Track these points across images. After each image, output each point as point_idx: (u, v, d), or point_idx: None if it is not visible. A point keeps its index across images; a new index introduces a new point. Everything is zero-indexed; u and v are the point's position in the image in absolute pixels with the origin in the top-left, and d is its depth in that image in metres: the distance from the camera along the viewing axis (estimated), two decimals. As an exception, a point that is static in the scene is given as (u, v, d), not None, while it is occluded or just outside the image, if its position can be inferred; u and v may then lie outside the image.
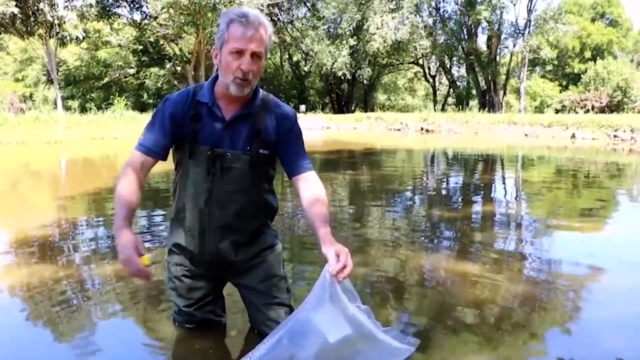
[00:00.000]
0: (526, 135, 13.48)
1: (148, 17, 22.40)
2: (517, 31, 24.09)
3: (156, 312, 1.99)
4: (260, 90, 1.63)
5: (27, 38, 19.83)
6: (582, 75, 29.71)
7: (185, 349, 1.74)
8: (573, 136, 12.55)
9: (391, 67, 30.31)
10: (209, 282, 1.76)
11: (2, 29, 19.24)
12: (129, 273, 1.44)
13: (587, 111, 22.62)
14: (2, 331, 1.88)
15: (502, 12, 23.71)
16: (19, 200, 4.75)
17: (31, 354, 1.71)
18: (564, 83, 32.29)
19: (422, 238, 3.27)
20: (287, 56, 30.62)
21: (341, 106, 29.11)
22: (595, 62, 28.95)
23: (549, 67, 34.23)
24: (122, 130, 12.79)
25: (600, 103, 24.14)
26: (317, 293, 1.35)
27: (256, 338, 1.73)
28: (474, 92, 28.42)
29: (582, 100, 24.79)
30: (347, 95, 30.00)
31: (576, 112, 21.91)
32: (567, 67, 33.33)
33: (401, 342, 1.40)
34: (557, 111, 25.26)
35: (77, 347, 1.74)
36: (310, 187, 1.62)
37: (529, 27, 23.68)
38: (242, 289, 1.78)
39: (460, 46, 25.78)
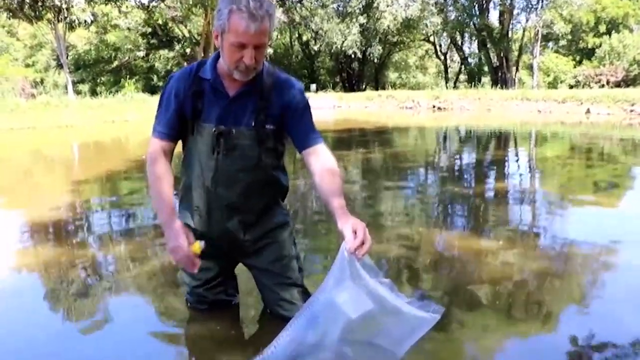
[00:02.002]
0: (539, 111, 13.26)
1: (156, -1, 22.23)
2: (530, 6, 23.52)
3: (172, 294, 2.00)
4: (265, 63, 1.56)
5: (36, 23, 19.80)
6: (596, 50, 29.01)
7: (197, 330, 1.74)
8: (588, 111, 12.32)
9: (402, 45, 29.83)
10: (219, 262, 1.74)
11: (11, 14, 19.22)
12: (177, 261, 1.52)
13: (602, 86, 22.17)
14: (18, 312, 1.89)
15: (514, -14, 23.17)
16: (33, 184, 4.78)
17: (46, 334, 1.73)
18: (578, 58, 31.56)
19: (436, 214, 3.24)
20: (296, 36, 30.27)
21: (352, 85, 28.87)
22: (610, 36, 28.23)
23: (562, 42, 33.44)
24: (133, 112, 12.81)
25: (616, 77, 23.61)
26: (336, 272, 1.31)
27: (270, 318, 1.74)
28: (485, 68, 27.94)
29: (596, 75, 24.28)
30: (357, 74, 29.70)
31: (590, 87, 21.49)
32: (581, 41, 32.52)
33: (426, 311, 1.35)
34: (571, 87, 24.77)
35: (90, 328, 1.76)
36: (321, 159, 1.56)
37: (542, 1, 23.11)
38: (253, 270, 1.76)
39: (471, 22, 25.29)
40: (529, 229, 2.84)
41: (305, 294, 1.69)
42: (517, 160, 5.80)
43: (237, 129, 1.55)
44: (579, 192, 3.82)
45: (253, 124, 1.55)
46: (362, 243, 1.31)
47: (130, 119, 12.45)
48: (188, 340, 1.70)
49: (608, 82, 23.21)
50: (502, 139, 8.00)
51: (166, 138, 1.59)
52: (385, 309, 1.31)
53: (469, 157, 6.18)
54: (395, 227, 2.87)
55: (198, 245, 1.51)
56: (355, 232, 1.33)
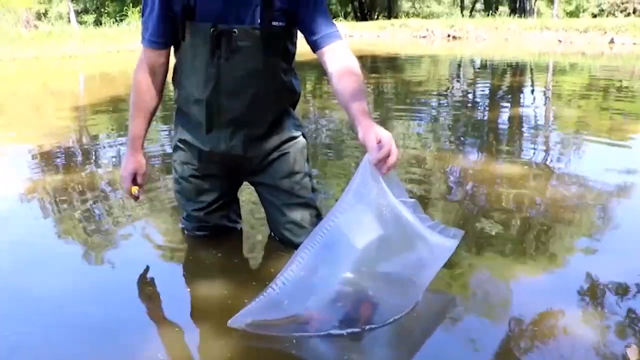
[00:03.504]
0: (560, 41, 12.66)
1: None
2: None
3: (172, 222, 1.91)
4: None
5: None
6: (625, -25, 27.29)
7: (196, 259, 1.65)
8: (611, 41, 11.72)
9: (416, -29, 28.35)
10: (221, 183, 1.58)
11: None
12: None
13: (628, 15, 21.04)
14: (21, 244, 1.85)
15: None
16: (40, 117, 4.71)
17: (52, 262, 1.69)
18: (604, -16, 29.81)
19: (447, 145, 3.14)
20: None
21: (364, 14, 27.74)
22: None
23: (588, -33, 31.49)
24: (138, 42, 12.45)
25: (644, 5, 22.37)
26: (356, 189, 1.13)
27: (277, 245, 1.63)
28: (504, -4, 26.59)
29: (622, 3, 22.96)
30: (369, 2, 28.48)
31: (615, 17, 20.40)
32: (608, -35, 30.60)
33: (447, 235, 1.24)
34: (594, 15, 23.55)
35: (92, 259, 1.72)
36: (339, 58, 1.35)
37: None
38: (260, 187, 1.59)
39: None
40: (542, 161, 2.75)
41: (319, 218, 1.54)
42: (532, 93, 5.58)
43: (240, 27, 1.33)
44: (594, 126, 3.67)
45: (259, 21, 1.34)
46: (388, 155, 1.12)
47: (135, 48, 12.12)
48: (186, 270, 1.61)
49: (635, 11, 21.99)
50: (517, 71, 7.68)
51: (155, 46, 1.42)
52: (406, 234, 1.17)
53: (482, 88, 5.95)
54: (406, 152, 2.79)
55: (136, 190, 1.61)
56: (379, 142, 1.13)
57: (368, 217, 1.14)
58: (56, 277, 1.55)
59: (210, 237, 1.68)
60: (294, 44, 1.48)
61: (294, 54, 1.50)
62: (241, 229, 1.77)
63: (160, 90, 1.53)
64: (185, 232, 1.72)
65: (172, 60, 1.53)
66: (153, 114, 1.55)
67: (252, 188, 1.71)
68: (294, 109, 1.62)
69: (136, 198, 1.64)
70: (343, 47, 1.39)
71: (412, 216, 1.17)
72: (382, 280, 1.23)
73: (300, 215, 1.56)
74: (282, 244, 1.61)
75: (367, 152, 1.15)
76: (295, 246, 1.22)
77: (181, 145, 1.58)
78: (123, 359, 1.17)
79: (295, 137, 1.58)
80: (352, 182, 1.15)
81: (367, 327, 1.21)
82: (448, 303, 1.38)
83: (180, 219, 1.74)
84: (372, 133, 1.16)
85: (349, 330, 1.19)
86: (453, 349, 1.20)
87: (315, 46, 1.40)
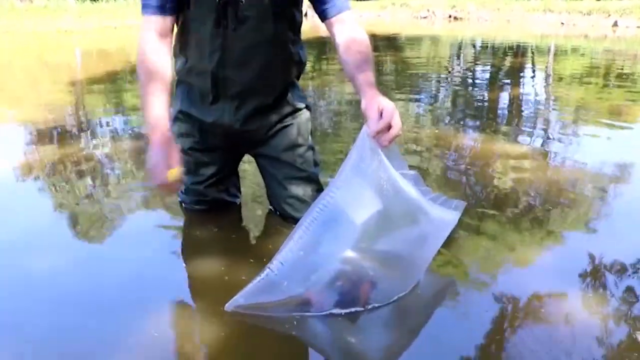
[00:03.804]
0: (562, 23, 12.54)
1: None
2: None
3: (170, 199, 1.86)
4: None
5: None
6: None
7: (194, 233, 1.62)
8: (615, 24, 11.61)
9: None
10: (221, 156, 1.54)
11: None
12: (154, 183, 1.27)
13: (632, -2, 20.78)
14: (16, 219, 1.82)
15: None
16: (38, 93, 4.65)
17: (46, 237, 1.67)
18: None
19: (444, 125, 3.11)
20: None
21: (364, -7, 27.38)
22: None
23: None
24: (135, 17, 12.27)
25: (648, -12, 22.07)
26: (354, 162, 1.09)
27: (277, 220, 1.60)
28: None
29: (627, -14, 22.69)
30: (370, -20, 28.06)
31: (619, -1, 20.16)
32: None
33: (448, 208, 1.20)
34: (598, -2, 23.27)
35: (90, 234, 1.70)
36: (347, 29, 1.31)
37: None
38: (262, 159, 1.56)
39: None
40: (539, 147, 2.72)
41: (320, 193, 1.54)
42: (532, 77, 5.54)
43: None
44: (594, 110, 3.63)
45: None
46: (389, 127, 1.07)
47: (133, 24, 11.94)
48: (183, 245, 1.58)
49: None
50: (518, 53, 7.60)
51: (163, 12, 1.30)
52: (407, 209, 1.13)
53: (482, 70, 5.90)
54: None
55: (176, 172, 1.26)
56: (381, 114, 1.09)
57: (367, 191, 1.10)
58: (49, 253, 1.53)
59: (209, 211, 1.65)
60: (301, 13, 1.43)
61: (300, 24, 1.46)
62: (240, 203, 1.74)
63: (166, 62, 1.39)
64: (183, 205, 1.69)
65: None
66: (169, 89, 1.37)
67: (253, 161, 1.68)
68: (298, 79, 1.58)
69: (171, 191, 1.41)
70: (352, 18, 1.35)
71: (413, 189, 1.13)
72: (382, 257, 1.20)
73: (302, 189, 1.53)
74: (283, 218, 1.59)
75: (366, 122, 1.11)
76: (296, 221, 1.18)
77: (181, 117, 1.54)
78: (117, 335, 1.15)
79: (299, 109, 1.54)
80: (350, 156, 1.10)
81: (368, 306, 1.19)
82: (448, 284, 1.37)
83: (178, 192, 1.71)
84: (374, 103, 1.12)
85: (349, 310, 1.17)
86: (452, 329, 1.19)
87: (323, 15, 1.36)
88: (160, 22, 1.31)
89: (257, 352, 1.10)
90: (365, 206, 1.10)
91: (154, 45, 1.30)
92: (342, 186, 1.10)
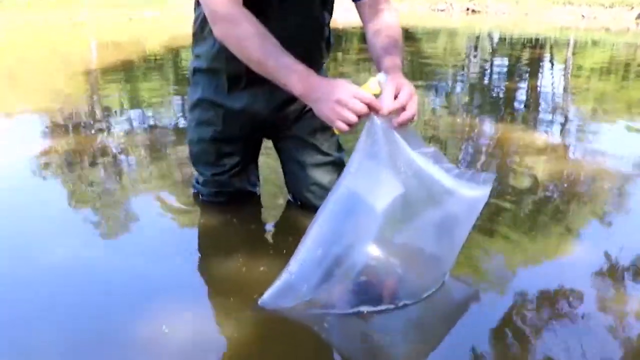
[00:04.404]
0: (583, 16, 12.29)
1: None
2: None
3: (187, 191, 1.84)
4: None
5: None
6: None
7: (211, 224, 1.58)
8: (638, 17, 11.34)
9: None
10: (243, 144, 1.49)
11: None
12: (348, 112, 1.01)
13: (654, -10, 20.30)
14: (30, 207, 1.81)
15: None
16: (48, 81, 4.66)
17: (60, 229, 1.65)
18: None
19: (460, 117, 3.05)
20: None
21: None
22: None
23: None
24: (151, 9, 12.30)
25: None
26: (366, 147, 1.01)
27: (297, 211, 1.54)
28: (526, -31, 25.79)
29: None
30: (386, -27, 27.81)
31: (641, -8, 19.70)
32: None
33: (477, 182, 1.08)
34: (618, -9, 22.77)
35: (104, 224, 1.68)
36: (379, 12, 1.24)
37: None
38: (284, 143, 1.48)
39: None
40: (556, 142, 2.65)
41: None
42: (551, 70, 5.42)
43: None
44: (612, 106, 3.54)
45: None
46: (402, 109, 1.00)
47: (148, 16, 11.96)
48: (200, 236, 1.54)
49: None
50: (536, 47, 7.46)
51: None
52: (431, 191, 1.03)
53: (499, 64, 5.80)
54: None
55: (375, 82, 1.04)
56: (398, 94, 1.01)
57: (384, 176, 1.00)
58: (64, 243, 1.51)
59: (228, 203, 1.60)
60: None
61: (332, 5, 1.41)
62: (259, 193, 1.70)
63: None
64: (201, 197, 1.65)
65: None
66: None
67: (268, 150, 1.62)
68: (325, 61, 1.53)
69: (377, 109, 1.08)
70: (385, 1, 1.29)
71: (434, 168, 1.03)
72: (408, 248, 1.13)
73: (326, 177, 1.46)
74: (304, 207, 1.52)
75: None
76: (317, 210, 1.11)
77: (201, 105, 1.48)
78: (126, 329, 1.12)
79: None
80: (361, 138, 1.02)
81: (399, 304, 1.12)
82: (471, 285, 1.31)
83: (193, 183, 1.66)
84: (393, 84, 1.04)
85: (376, 308, 1.11)
86: (478, 331, 1.14)
87: None
88: None
89: (280, 352, 1.06)
90: (383, 192, 1.02)
91: (237, 11, 1.15)
92: (357, 173, 1.02)
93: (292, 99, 1.39)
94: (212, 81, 1.43)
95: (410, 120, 1.02)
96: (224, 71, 1.39)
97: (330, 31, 1.45)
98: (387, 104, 1.00)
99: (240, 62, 1.28)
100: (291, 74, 1.09)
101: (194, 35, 1.43)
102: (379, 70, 1.19)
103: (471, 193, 1.07)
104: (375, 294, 1.12)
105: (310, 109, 1.41)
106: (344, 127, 1.02)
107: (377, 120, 1.00)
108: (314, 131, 1.45)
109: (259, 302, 1.13)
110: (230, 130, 1.47)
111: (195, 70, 1.48)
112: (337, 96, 1.02)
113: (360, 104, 1.00)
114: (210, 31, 1.34)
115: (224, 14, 1.14)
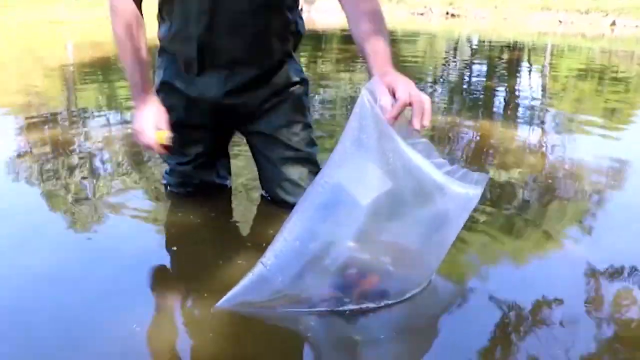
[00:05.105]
0: (560, 22, 12.50)
1: None
2: None
3: (157, 181, 1.75)
4: None
5: None
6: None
7: (179, 219, 1.49)
8: (613, 24, 11.56)
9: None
10: (212, 133, 1.42)
11: None
12: (140, 143, 1.31)
13: (629, -3, 20.77)
14: (5, 211, 1.73)
15: None
16: (23, 79, 4.53)
17: (33, 229, 1.53)
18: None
19: (439, 119, 3.04)
20: None
21: (361, -11, 27.27)
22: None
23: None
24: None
25: (645, -12, 22.06)
26: (353, 135, 0.93)
27: (270, 207, 1.48)
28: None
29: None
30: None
31: (617, -1, 20.13)
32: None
33: (469, 182, 1.02)
34: (595, -3, 23.22)
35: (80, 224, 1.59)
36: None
37: None
38: (253, 138, 1.43)
39: None
40: (534, 146, 2.65)
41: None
42: (529, 74, 5.47)
43: None
44: (588, 112, 3.56)
45: None
46: (404, 105, 0.92)
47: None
48: (167, 231, 1.46)
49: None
50: (515, 51, 7.54)
51: None
52: (420, 185, 0.96)
53: (478, 68, 5.84)
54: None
55: (164, 135, 1.22)
56: (394, 93, 0.92)
57: (371, 167, 0.93)
58: (29, 245, 1.42)
59: (195, 194, 1.52)
60: None
61: None
62: (231, 186, 1.62)
63: (142, 27, 1.30)
64: (168, 188, 1.56)
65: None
66: (148, 55, 1.32)
67: (244, 141, 1.55)
68: (294, 51, 1.45)
69: (166, 148, 1.29)
70: None
71: (425, 162, 0.96)
72: (393, 244, 1.05)
73: (297, 172, 1.41)
74: (276, 204, 1.47)
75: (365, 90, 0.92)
76: (291, 207, 1.06)
77: (164, 89, 1.41)
78: (97, 327, 1.05)
79: (296, 83, 1.41)
80: (348, 127, 0.93)
81: (374, 305, 1.06)
82: (456, 284, 1.27)
83: (163, 173, 1.58)
84: (382, 86, 0.94)
85: (353, 307, 1.05)
86: (463, 331, 1.09)
87: None
88: None
89: (250, 352, 1.00)
90: (369, 184, 0.95)
91: (123, 6, 1.21)
92: (341, 162, 0.95)
93: (247, 86, 1.33)
94: (171, 65, 1.37)
95: (425, 111, 0.92)
96: (180, 55, 1.33)
97: (298, 17, 1.36)
98: (388, 113, 0.90)
99: (191, 46, 1.23)
100: (132, 87, 1.28)
101: (157, 17, 1.38)
102: (363, 56, 1.10)
103: (462, 191, 1.00)
104: (356, 292, 1.06)
105: (276, 105, 1.37)
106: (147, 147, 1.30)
107: (367, 103, 0.90)
108: (282, 126, 1.40)
109: (223, 301, 1.06)
110: (194, 117, 1.40)
111: (160, 53, 1.42)
112: (134, 125, 1.28)
113: (142, 141, 1.28)
114: (167, 13, 1.28)
115: (115, 3, 1.24)
